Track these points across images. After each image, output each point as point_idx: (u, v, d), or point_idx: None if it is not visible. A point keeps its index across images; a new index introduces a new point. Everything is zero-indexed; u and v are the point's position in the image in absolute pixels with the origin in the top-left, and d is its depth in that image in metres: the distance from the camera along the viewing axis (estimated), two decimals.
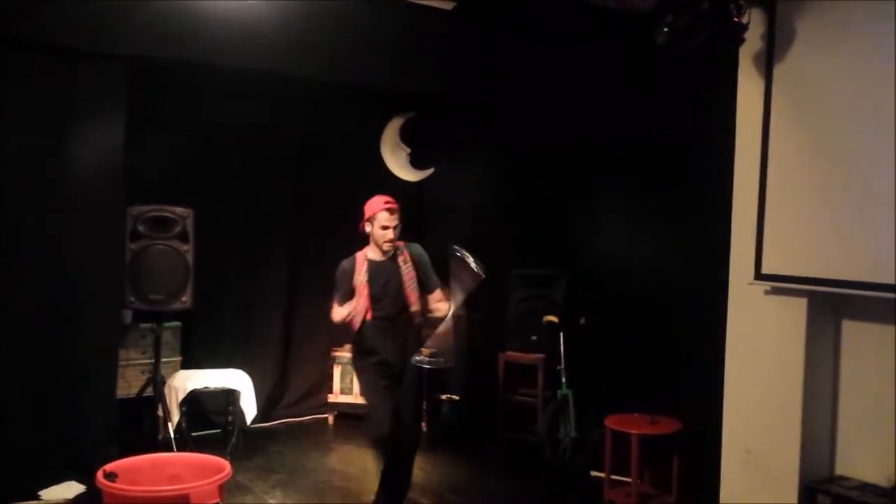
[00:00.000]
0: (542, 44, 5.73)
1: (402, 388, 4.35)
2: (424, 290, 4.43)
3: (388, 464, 4.30)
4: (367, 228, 4.34)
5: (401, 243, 4.40)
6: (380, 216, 4.28)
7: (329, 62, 5.31)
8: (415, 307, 4.36)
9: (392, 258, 4.36)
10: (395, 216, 4.29)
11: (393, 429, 4.19)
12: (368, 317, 4.31)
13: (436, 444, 6.12)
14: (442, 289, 4.40)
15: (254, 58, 5.06)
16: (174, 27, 4.74)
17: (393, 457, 4.30)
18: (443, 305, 4.37)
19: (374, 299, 4.30)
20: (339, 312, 4.38)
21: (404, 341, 4.34)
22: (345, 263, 4.40)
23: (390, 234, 4.28)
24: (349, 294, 4.35)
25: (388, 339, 4.32)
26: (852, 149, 4.13)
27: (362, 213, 4.37)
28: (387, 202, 4.30)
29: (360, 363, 4.42)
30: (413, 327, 4.39)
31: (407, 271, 4.36)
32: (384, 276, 4.33)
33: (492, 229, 6.71)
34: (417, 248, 4.48)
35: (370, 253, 4.38)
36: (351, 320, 4.34)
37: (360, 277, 4.33)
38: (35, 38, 4.60)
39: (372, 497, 4.47)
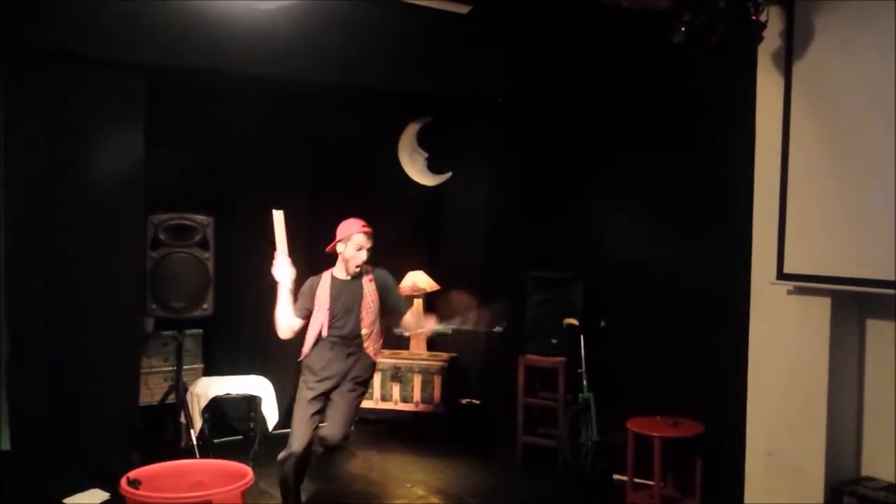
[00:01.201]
0: (556, 45, 5.71)
1: (335, 394, 4.37)
2: (390, 312, 4.57)
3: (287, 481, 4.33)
4: (340, 249, 4.40)
5: (368, 266, 4.47)
6: (356, 238, 4.35)
7: (344, 67, 5.34)
8: (366, 330, 4.39)
9: (357, 278, 4.42)
10: (370, 240, 4.38)
11: (302, 454, 4.25)
12: (324, 334, 4.35)
13: (456, 448, 6.11)
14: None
15: (270, 64, 5.09)
16: (190, 35, 4.78)
17: (293, 475, 4.32)
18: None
19: (334, 317, 4.35)
20: (290, 324, 4.39)
21: (354, 362, 4.38)
22: (312, 279, 4.48)
23: (364, 255, 4.37)
24: (307, 311, 4.40)
25: (337, 358, 4.35)
26: (874, 145, 4.07)
27: (334, 235, 4.43)
28: (364, 226, 4.39)
29: (303, 379, 4.42)
30: (363, 349, 4.42)
31: (370, 293, 4.43)
32: (346, 295, 4.40)
33: (507, 232, 6.70)
34: (383, 273, 4.57)
35: (336, 272, 4.45)
36: (305, 335, 4.39)
37: (324, 293, 4.39)
38: (52, 47, 4.66)
39: (394, 502, 4.48)
